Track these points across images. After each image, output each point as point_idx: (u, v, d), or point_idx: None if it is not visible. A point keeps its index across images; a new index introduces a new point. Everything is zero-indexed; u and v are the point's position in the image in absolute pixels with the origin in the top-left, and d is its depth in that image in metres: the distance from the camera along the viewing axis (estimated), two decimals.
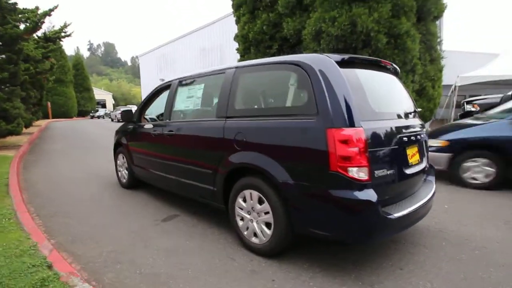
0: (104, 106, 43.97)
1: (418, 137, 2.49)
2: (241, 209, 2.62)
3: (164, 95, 3.97)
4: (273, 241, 2.38)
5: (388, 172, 2.11)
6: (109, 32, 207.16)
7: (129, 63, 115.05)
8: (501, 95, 8.70)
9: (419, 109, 2.98)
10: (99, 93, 44.24)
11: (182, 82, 3.48)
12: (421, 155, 2.56)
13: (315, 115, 2.08)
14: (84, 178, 5.43)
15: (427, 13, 9.31)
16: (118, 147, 4.82)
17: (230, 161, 2.62)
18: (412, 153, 2.40)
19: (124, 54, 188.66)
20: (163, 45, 24.59)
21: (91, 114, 33.83)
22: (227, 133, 2.65)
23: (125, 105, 45.50)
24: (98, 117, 33.08)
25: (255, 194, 2.46)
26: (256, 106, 2.61)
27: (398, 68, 2.79)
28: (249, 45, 11.25)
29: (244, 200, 2.58)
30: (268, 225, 2.43)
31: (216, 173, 2.79)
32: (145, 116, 4.38)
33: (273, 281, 2.16)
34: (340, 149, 1.94)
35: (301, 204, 2.16)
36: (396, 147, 2.22)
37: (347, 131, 1.94)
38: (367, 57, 2.51)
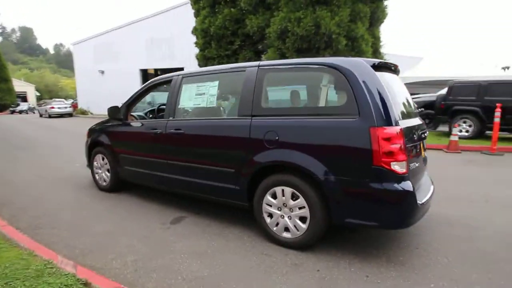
0: (25, 99, 38.29)
1: (426, 133, 2.84)
2: (270, 205, 2.67)
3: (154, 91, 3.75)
4: (308, 234, 2.49)
5: (416, 165, 2.40)
6: (26, 15, 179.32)
7: (52, 51, 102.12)
8: (436, 94, 10.13)
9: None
10: (18, 85, 38.34)
11: (187, 78, 3.33)
12: (424, 149, 2.93)
13: (356, 115, 2.24)
14: (45, 181, 4.79)
15: (376, 20, 10.29)
16: (94, 147, 4.37)
17: (258, 159, 2.64)
18: (421, 147, 2.74)
19: (45, 41, 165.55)
20: (102, 33, 22.40)
21: (11, 108, 29.23)
22: (254, 132, 2.66)
23: (51, 98, 40.46)
24: (21, 112, 28.77)
25: (288, 190, 2.54)
26: (287, 105, 2.66)
27: (399, 69, 3.08)
28: (210, 40, 11.03)
29: (274, 197, 2.64)
30: (302, 219, 2.53)
31: (239, 172, 2.78)
32: (132, 113, 4.07)
33: (318, 271, 2.28)
34: (384, 146, 2.13)
35: (341, 198, 2.31)
36: (418, 142, 2.52)
37: (390, 130, 2.15)
38: (386, 61, 2.75)
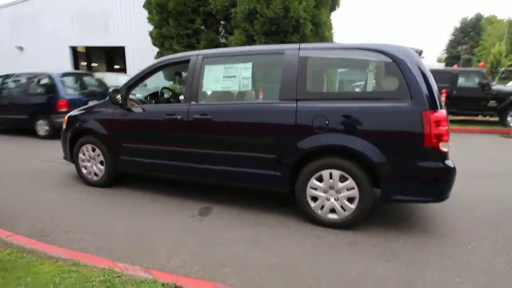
0: None
1: None
2: (315, 189, 2.73)
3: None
4: (356, 213, 2.64)
5: (450, 144, 2.70)
6: None
7: None
8: None
9: None
10: None
11: (210, 59, 3.08)
12: None
13: (408, 100, 2.40)
14: (13, 178, 4.03)
15: (333, 7, 10.74)
16: (79, 137, 3.81)
17: (305, 144, 2.65)
18: None
19: None
20: (18, 2, 18.78)
21: None
22: (301, 116, 2.65)
23: None
24: None
25: (337, 173, 2.62)
26: (334, 89, 2.69)
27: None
28: (167, 16, 10.22)
29: (320, 180, 2.70)
30: (349, 200, 2.66)
31: (281, 157, 2.76)
32: (132, 98, 3.63)
33: (374, 246, 2.46)
34: (434, 128, 2.35)
35: (391, 177, 2.49)
36: None
37: (439, 113, 2.37)
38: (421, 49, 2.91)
